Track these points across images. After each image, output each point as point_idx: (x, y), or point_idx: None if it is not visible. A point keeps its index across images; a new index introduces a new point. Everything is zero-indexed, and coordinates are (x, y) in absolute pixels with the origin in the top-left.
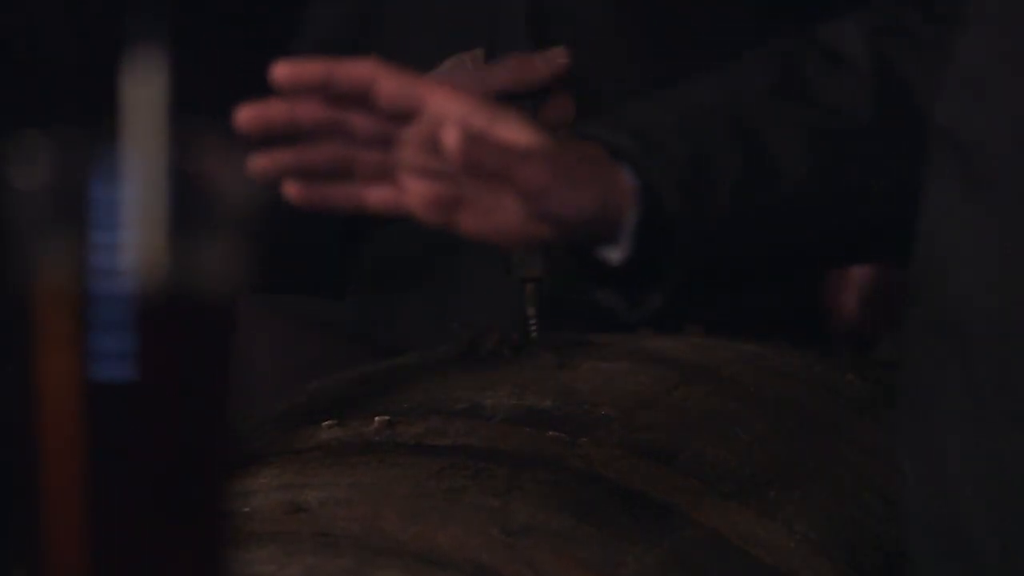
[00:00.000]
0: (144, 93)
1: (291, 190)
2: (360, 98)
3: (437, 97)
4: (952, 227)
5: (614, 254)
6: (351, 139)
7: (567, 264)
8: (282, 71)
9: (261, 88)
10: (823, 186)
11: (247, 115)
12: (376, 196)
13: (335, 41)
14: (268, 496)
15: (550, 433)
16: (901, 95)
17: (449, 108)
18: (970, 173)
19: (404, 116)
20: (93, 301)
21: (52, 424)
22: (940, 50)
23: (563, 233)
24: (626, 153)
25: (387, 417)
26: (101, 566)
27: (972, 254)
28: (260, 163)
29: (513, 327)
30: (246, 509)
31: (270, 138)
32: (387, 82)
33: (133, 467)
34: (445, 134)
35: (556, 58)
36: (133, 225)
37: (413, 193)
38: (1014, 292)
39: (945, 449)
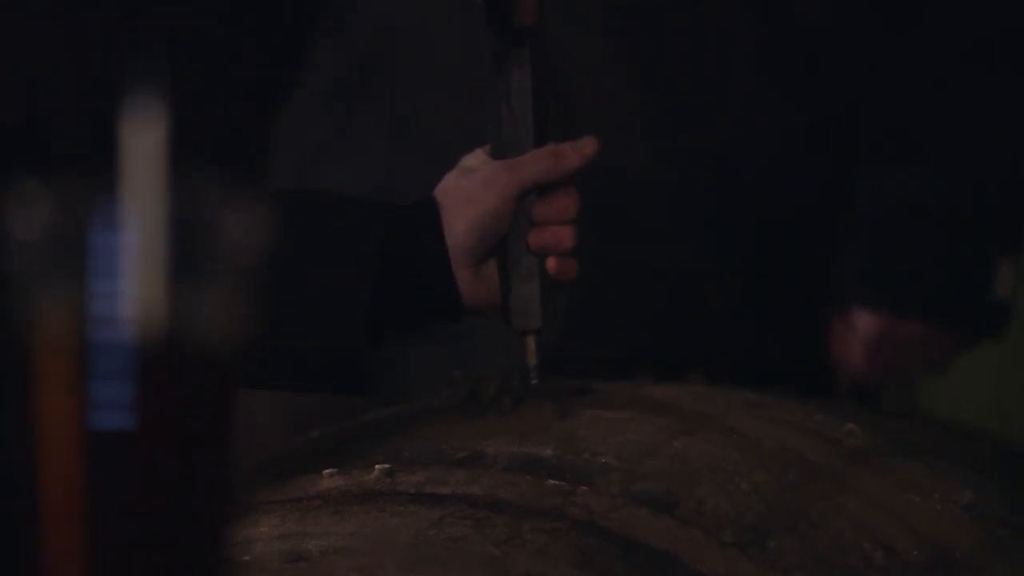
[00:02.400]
0: (143, 142)
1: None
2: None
3: None
4: None
5: None
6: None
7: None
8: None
9: (262, 137)
10: None
11: None
12: None
13: (336, 91)
14: (269, 545)
15: (551, 482)
16: None
17: None
18: None
19: None
20: (93, 350)
21: (52, 472)
22: None
23: None
24: None
25: (387, 465)
26: None
27: None
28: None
29: (514, 375)
30: (247, 558)
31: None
32: None
33: (133, 516)
34: None
35: (586, 147)
36: (132, 274)
37: None
38: None
39: None
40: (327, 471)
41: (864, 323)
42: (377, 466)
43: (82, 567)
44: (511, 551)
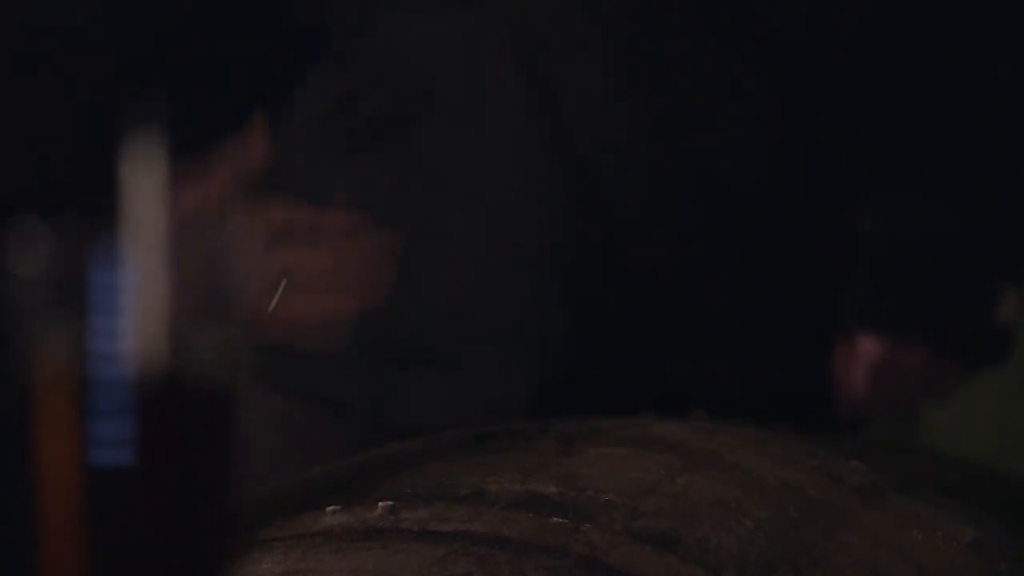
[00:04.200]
0: (143, 180)
1: None
2: None
3: None
4: None
5: None
6: None
7: None
8: None
9: (259, 174)
10: None
11: None
12: None
13: (325, 121)
14: None
15: (554, 519)
16: None
17: None
18: None
19: None
20: (93, 386)
21: (53, 508)
22: None
23: None
24: None
25: (391, 502)
26: None
27: None
28: None
29: (517, 411)
30: None
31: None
32: None
33: (134, 552)
34: None
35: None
36: (133, 311)
37: None
38: None
39: None
40: (330, 508)
41: (867, 349)
42: (380, 503)
43: None
44: None
